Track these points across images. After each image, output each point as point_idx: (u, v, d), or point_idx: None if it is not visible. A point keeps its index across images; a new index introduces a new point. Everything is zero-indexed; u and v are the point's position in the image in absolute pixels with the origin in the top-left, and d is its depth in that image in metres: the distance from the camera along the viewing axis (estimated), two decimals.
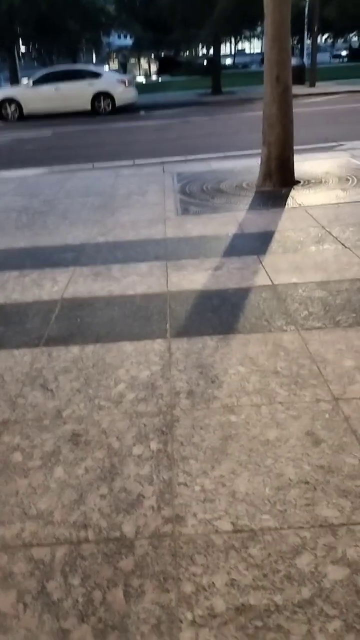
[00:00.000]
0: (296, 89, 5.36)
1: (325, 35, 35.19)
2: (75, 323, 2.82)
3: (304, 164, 6.33)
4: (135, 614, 1.29)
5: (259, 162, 5.61)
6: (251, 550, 1.44)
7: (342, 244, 3.68)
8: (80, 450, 1.86)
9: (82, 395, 2.18)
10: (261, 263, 3.46)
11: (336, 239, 3.80)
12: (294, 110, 5.37)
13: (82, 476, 1.74)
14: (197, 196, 5.39)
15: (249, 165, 6.66)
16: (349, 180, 5.53)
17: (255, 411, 2.01)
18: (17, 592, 1.37)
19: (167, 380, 2.24)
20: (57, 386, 2.25)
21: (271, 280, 3.17)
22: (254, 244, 3.84)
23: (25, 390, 2.23)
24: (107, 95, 16.23)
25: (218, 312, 2.83)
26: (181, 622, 1.27)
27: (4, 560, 1.45)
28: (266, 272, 3.31)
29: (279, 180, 5.39)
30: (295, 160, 5.54)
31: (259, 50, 53.32)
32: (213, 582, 1.36)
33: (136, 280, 3.33)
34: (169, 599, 1.32)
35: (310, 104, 14.67)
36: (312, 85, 19.77)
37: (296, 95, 5.51)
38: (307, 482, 1.66)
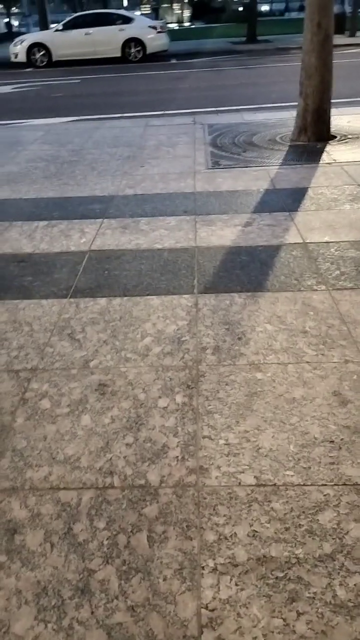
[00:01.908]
0: (335, 39, 5.09)
1: None
2: (103, 275, 2.82)
3: (340, 119, 6.08)
4: (159, 559, 1.33)
5: (294, 115, 5.40)
6: (274, 504, 1.46)
7: None
8: (106, 400, 1.88)
9: (109, 346, 2.19)
10: (293, 220, 3.37)
11: None
12: (333, 61, 5.10)
13: (109, 425, 1.77)
14: (229, 149, 5.23)
15: (283, 118, 6.42)
16: None
17: (281, 369, 2.00)
18: (45, 532, 1.41)
19: (193, 336, 2.23)
20: (85, 337, 2.27)
21: (302, 238, 3.10)
22: (286, 200, 3.74)
23: (53, 340, 2.25)
24: (138, 42, 15.70)
25: (247, 269, 2.78)
26: (203, 568, 1.30)
27: (32, 501, 1.50)
28: (298, 229, 3.23)
29: (314, 135, 5.19)
30: (331, 114, 5.31)
31: None
32: (235, 533, 1.38)
33: (164, 234, 3.29)
34: (192, 546, 1.36)
35: (349, 55, 13.96)
36: (352, 35, 18.75)
37: (335, 46, 5.23)
38: (332, 442, 1.65)
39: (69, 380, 2.00)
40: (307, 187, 3.98)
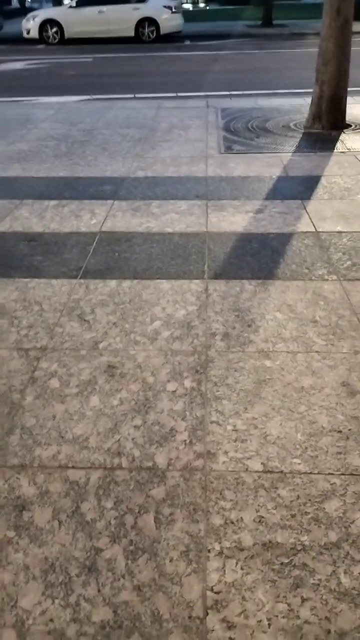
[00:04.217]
0: (353, 26, 5.00)
1: None
2: (113, 257, 2.80)
3: (356, 107, 5.99)
4: (165, 540, 1.34)
5: (309, 102, 5.33)
6: (280, 491, 1.46)
7: None
8: (115, 382, 1.89)
9: (119, 329, 2.19)
10: (305, 208, 3.35)
11: None
12: (351, 48, 5.02)
13: (117, 406, 1.77)
14: (242, 134, 5.18)
15: (297, 104, 6.34)
16: None
17: (290, 358, 2.00)
18: (53, 509, 1.42)
19: (203, 321, 2.23)
20: (94, 318, 2.27)
21: (315, 227, 3.07)
22: (298, 188, 3.70)
23: (63, 320, 2.25)
24: (151, 22, 15.44)
25: (258, 257, 2.77)
26: (209, 551, 1.31)
27: (40, 479, 1.51)
28: (310, 218, 3.20)
29: (329, 122, 5.12)
30: (347, 102, 5.24)
31: None
32: (241, 518, 1.39)
33: (175, 218, 3.27)
34: (198, 529, 1.37)
35: None
36: None
37: (353, 33, 5.14)
38: (339, 431, 1.66)
39: (78, 360, 2.00)
40: (320, 176, 3.95)
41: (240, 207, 3.41)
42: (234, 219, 3.23)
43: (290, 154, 4.53)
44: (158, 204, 3.51)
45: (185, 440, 1.63)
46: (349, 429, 1.66)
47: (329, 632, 1.13)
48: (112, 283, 2.55)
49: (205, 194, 3.66)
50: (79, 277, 2.61)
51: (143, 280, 2.57)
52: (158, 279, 2.58)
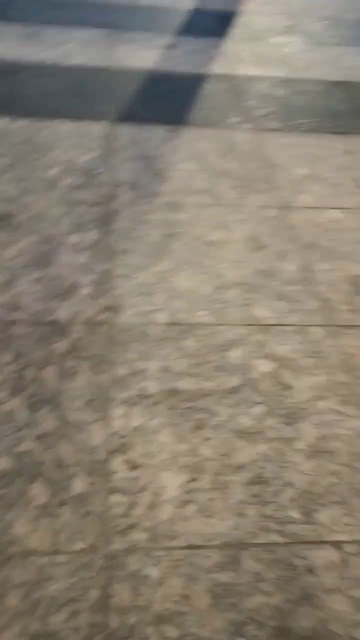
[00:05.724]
0: None
1: None
2: (1, 92, 2.43)
3: None
4: (68, 391, 1.31)
5: None
6: (186, 342, 1.46)
7: (311, 39, 3.29)
8: (10, 233, 1.72)
9: (12, 174, 1.95)
10: (221, 48, 3.05)
11: (306, 32, 3.38)
12: None
13: (14, 259, 1.63)
14: None
15: None
16: None
17: (200, 211, 1.91)
18: None
19: (108, 169, 2.04)
20: None
21: (231, 70, 2.83)
22: (214, 25, 3.34)
23: None
24: None
25: (169, 99, 2.52)
26: (114, 400, 1.31)
27: None
28: (226, 59, 2.93)
29: None
30: None
31: None
32: (147, 367, 1.39)
33: (74, 49, 2.85)
34: (103, 379, 1.35)
35: None
36: None
37: None
38: (246, 284, 1.65)
39: None
40: (239, 12, 3.57)
41: (150, 41, 3.03)
42: (143, 55, 2.88)
43: None
44: (54, 31, 3.03)
45: (89, 294, 1.55)
46: (255, 282, 1.66)
47: (228, 465, 1.20)
48: (1, 122, 2.23)
49: (111, 22, 3.20)
50: None
51: (39, 119, 2.27)
52: (56, 118, 2.29)
